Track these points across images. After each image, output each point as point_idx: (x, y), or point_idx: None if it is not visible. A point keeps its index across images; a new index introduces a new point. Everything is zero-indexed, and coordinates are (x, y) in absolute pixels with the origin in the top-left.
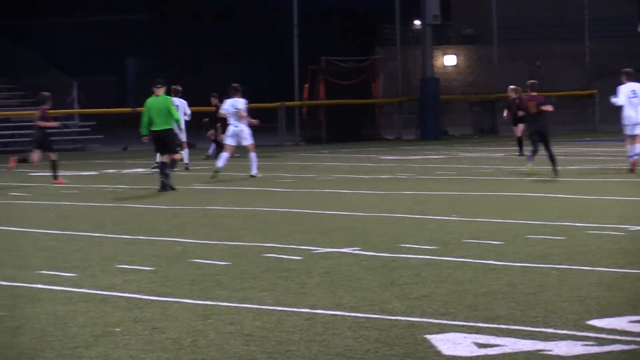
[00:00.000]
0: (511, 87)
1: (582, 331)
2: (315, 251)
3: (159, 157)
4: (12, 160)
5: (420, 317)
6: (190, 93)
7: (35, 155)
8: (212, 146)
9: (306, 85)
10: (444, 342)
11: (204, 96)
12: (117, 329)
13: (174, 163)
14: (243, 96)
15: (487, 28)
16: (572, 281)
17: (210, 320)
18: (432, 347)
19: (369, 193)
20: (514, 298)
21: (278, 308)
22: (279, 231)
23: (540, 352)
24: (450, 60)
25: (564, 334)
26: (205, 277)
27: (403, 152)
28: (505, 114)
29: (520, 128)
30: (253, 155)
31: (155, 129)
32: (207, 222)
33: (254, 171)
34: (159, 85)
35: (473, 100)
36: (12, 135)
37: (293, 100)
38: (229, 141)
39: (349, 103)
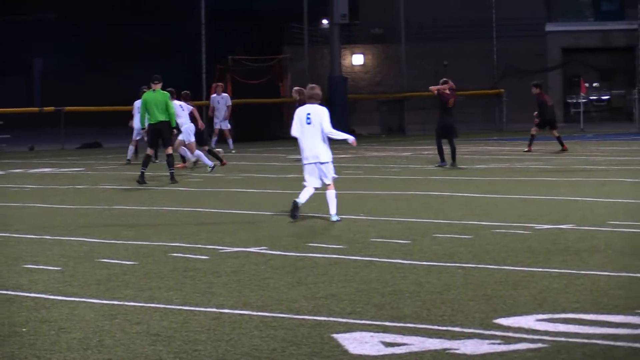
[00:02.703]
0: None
1: (489, 330)
2: (222, 250)
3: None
4: None
5: (327, 317)
6: (98, 92)
7: None
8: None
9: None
10: (350, 341)
11: (114, 95)
12: (24, 329)
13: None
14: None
15: (395, 27)
16: (478, 280)
17: (117, 320)
18: (339, 346)
19: (274, 192)
20: (420, 297)
21: (185, 308)
22: (185, 231)
23: (447, 351)
24: (358, 59)
25: (471, 333)
26: (111, 277)
27: None
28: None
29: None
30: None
31: (153, 122)
32: (114, 222)
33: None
34: (156, 82)
35: (381, 100)
36: None
37: (201, 99)
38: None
39: (256, 102)
